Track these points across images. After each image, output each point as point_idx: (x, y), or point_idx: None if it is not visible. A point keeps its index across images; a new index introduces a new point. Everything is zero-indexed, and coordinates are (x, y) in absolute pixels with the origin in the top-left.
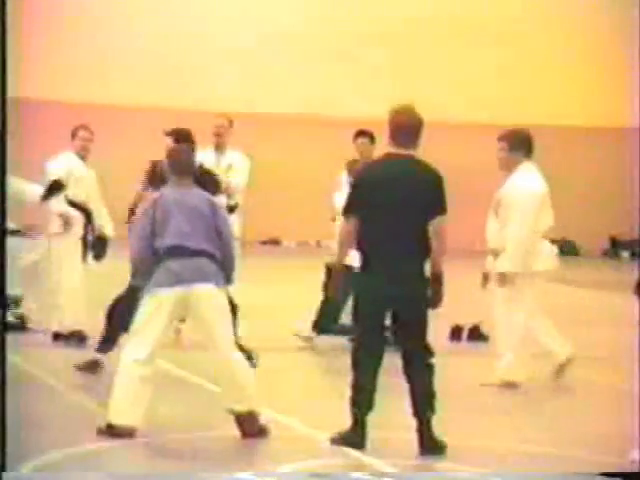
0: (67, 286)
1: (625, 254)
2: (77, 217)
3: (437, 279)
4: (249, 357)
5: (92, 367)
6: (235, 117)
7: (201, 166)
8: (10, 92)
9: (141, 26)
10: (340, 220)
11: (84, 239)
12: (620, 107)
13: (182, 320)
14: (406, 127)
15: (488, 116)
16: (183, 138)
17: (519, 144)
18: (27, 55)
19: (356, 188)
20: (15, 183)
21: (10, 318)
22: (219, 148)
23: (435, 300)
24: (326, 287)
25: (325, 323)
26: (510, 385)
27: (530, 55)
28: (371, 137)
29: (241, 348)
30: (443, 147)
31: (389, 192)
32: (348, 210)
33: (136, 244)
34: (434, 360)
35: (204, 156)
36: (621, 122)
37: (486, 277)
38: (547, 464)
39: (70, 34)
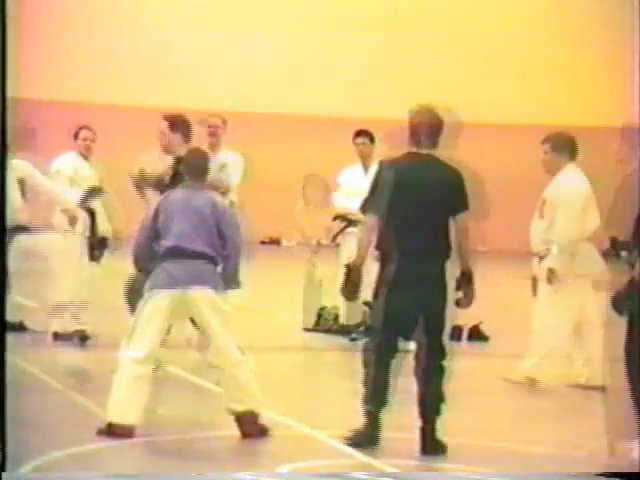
0: (70, 285)
1: (625, 254)
2: (82, 215)
3: (467, 279)
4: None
5: None
6: (234, 117)
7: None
8: (10, 92)
9: (141, 26)
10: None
11: (89, 239)
12: (620, 107)
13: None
14: (426, 127)
15: (488, 116)
16: (178, 125)
17: (563, 146)
18: (27, 55)
19: (376, 187)
20: (44, 183)
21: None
22: (213, 148)
23: (465, 300)
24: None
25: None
26: (533, 382)
27: (530, 55)
28: (371, 137)
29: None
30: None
31: (409, 191)
32: (368, 208)
33: (136, 246)
34: (446, 362)
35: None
36: (621, 122)
37: (535, 281)
38: (547, 464)
39: (70, 34)
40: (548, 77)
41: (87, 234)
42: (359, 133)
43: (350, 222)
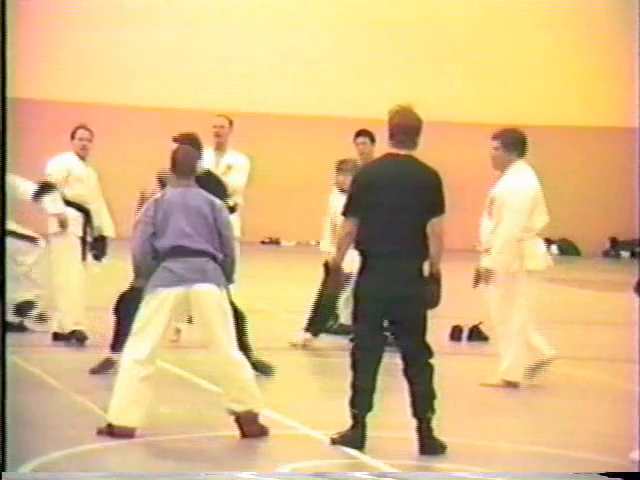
0: (65, 286)
1: (625, 254)
2: (75, 217)
3: (435, 279)
4: (264, 370)
5: (106, 367)
6: (235, 117)
7: (207, 170)
8: (10, 92)
9: (141, 26)
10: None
11: (83, 239)
12: (620, 107)
13: (189, 321)
14: (405, 127)
15: (488, 116)
16: (190, 143)
17: (513, 143)
18: (27, 55)
19: (355, 188)
20: (9, 179)
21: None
22: (219, 148)
23: (433, 300)
24: (323, 286)
25: (319, 323)
26: (511, 385)
27: (530, 55)
28: (371, 137)
29: (255, 363)
30: (443, 147)
31: (388, 192)
32: (347, 210)
33: (137, 245)
34: (433, 360)
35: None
36: (621, 122)
37: (478, 276)
38: (547, 464)
39: (70, 34)
40: (548, 78)
41: (80, 234)
42: (359, 133)
43: None
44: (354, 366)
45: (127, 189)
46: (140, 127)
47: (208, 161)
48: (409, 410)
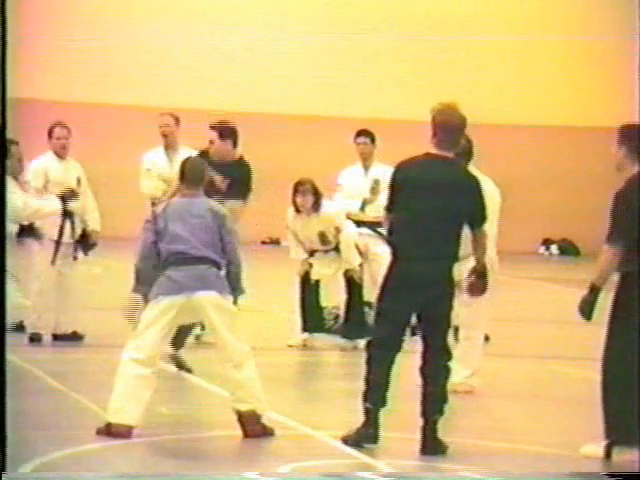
0: (41, 289)
1: None
2: (53, 221)
3: (481, 270)
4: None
5: None
6: (235, 117)
7: (241, 157)
8: (10, 92)
9: (141, 26)
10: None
11: (57, 243)
12: (620, 107)
13: (202, 328)
14: (448, 126)
15: (488, 116)
16: (228, 133)
17: (462, 151)
18: (27, 55)
19: (391, 186)
20: (31, 201)
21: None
22: (169, 147)
23: (477, 287)
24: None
25: (311, 322)
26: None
27: (530, 55)
28: (372, 137)
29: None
30: None
31: (421, 194)
32: (387, 208)
33: (139, 251)
34: (451, 363)
35: (154, 156)
36: (621, 122)
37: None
38: (547, 464)
39: (70, 34)
40: (548, 78)
41: (55, 238)
42: (360, 133)
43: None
44: (369, 361)
45: (125, 189)
46: (139, 127)
47: (161, 161)
48: (409, 410)
